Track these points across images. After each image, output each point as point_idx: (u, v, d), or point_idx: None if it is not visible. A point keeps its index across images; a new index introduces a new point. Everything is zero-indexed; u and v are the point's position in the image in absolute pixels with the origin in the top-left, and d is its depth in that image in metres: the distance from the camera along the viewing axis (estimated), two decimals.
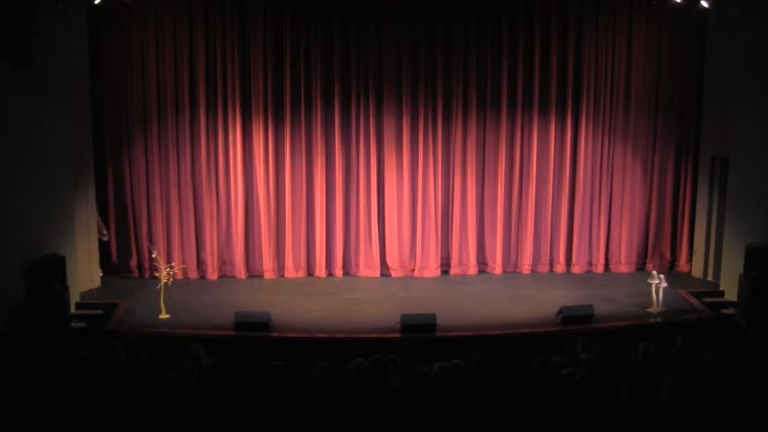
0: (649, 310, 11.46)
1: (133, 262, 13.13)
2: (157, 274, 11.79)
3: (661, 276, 11.49)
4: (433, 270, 13.42)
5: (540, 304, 11.84)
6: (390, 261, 13.41)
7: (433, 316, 10.70)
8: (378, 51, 12.99)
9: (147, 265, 12.94)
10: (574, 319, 10.87)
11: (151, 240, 12.84)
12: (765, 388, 5.40)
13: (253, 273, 13.30)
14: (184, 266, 12.91)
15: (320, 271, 13.30)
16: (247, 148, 13.07)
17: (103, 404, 5.48)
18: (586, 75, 13.16)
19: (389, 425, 5.29)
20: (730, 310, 11.81)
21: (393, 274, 13.38)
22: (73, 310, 11.42)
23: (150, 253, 12.19)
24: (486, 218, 13.51)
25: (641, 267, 13.55)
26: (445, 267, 13.54)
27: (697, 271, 13.33)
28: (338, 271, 13.35)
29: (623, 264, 13.58)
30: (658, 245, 13.68)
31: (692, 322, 10.94)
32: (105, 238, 12.77)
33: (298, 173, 13.15)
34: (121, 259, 13.17)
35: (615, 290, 12.45)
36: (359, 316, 11.45)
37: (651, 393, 5.42)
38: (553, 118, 13.25)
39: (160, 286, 11.27)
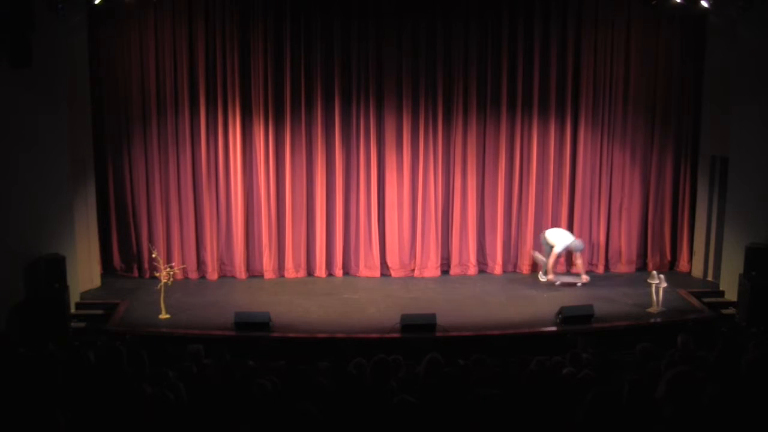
0: (649, 310, 11.45)
1: (133, 262, 13.13)
2: (157, 274, 11.77)
3: (661, 276, 11.48)
4: (433, 270, 13.42)
5: (540, 304, 11.84)
6: (390, 261, 13.41)
7: (433, 316, 10.70)
8: (378, 51, 12.98)
9: (147, 265, 12.92)
10: (574, 319, 10.87)
11: (151, 240, 12.84)
12: (765, 388, 5.40)
13: (253, 273, 13.29)
14: (184, 266, 12.89)
15: (320, 271, 13.29)
16: (248, 147, 13.06)
17: (105, 404, 5.48)
18: (585, 75, 13.16)
19: (390, 425, 5.28)
20: (730, 310, 11.81)
21: (393, 274, 13.38)
22: (73, 310, 11.41)
23: (150, 253, 12.18)
24: (486, 218, 13.51)
25: (641, 267, 13.54)
26: (445, 267, 13.54)
27: (697, 271, 13.33)
28: (338, 271, 13.34)
29: (623, 264, 13.58)
30: (658, 245, 13.67)
31: (692, 322, 10.94)
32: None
33: (299, 173, 13.14)
34: (120, 259, 13.18)
35: (615, 290, 12.44)
36: (359, 316, 11.44)
37: (651, 393, 5.42)
38: (552, 118, 13.25)
39: (160, 286, 11.27)
